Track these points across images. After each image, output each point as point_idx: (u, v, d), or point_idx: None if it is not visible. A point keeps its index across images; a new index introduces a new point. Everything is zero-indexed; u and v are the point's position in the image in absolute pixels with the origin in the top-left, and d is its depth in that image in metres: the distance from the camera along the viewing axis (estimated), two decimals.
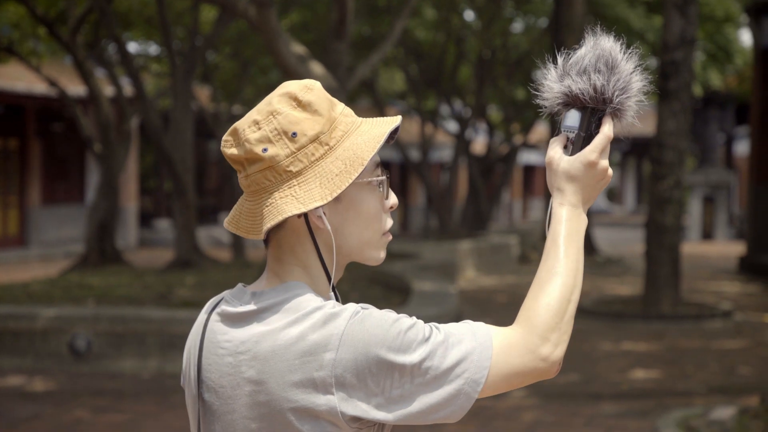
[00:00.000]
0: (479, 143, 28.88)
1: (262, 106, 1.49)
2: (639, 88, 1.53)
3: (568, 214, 1.53)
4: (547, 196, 17.36)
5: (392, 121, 1.52)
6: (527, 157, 34.76)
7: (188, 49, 13.77)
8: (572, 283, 1.49)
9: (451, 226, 20.17)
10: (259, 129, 1.47)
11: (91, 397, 7.48)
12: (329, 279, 1.52)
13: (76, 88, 17.86)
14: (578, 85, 1.52)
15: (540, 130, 28.51)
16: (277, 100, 1.48)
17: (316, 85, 1.51)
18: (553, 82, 1.54)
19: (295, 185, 1.46)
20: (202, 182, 26.23)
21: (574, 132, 1.54)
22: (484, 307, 12.23)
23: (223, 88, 18.51)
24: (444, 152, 29.74)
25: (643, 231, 12.19)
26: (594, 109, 1.53)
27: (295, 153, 1.46)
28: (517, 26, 21.86)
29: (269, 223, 1.45)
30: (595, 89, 1.51)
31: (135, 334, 8.35)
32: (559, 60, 1.54)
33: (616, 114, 1.54)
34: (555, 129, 1.62)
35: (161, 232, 23.03)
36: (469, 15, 21.50)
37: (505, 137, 24.68)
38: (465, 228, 20.91)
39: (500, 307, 12.41)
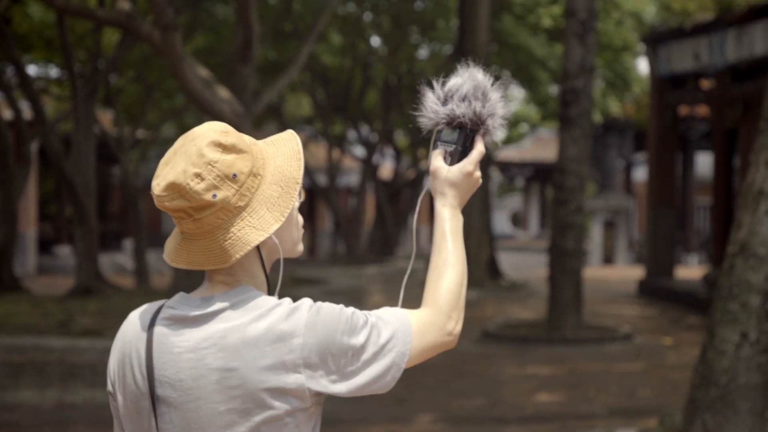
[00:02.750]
0: (386, 168, 29.03)
1: (195, 159, 1.69)
2: (503, 114, 1.87)
3: (450, 214, 1.85)
4: None
5: (289, 137, 1.80)
6: None
7: (90, 72, 13.53)
8: (462, 270, 1.83)
9: (358, 251, 20.20)
10: (203, 180, 1.68)
11: None
12: (268, 281, 1.79)
13: None
14: (461, 109, 1.84)
15: None
16: (207, 150, 1.69)
17: (228, 126, 1.75)
18: (435, 105, 1.85)
19: (246, 216, 1.71)
20: (105, 207, 25.73)
21: (451, 146, 1.86)
22: None
23: (126, 111, 18.20)
24: (351, 177, 29.80)
25: (546, 255, 12.39)
26: (469, 128, 1.85)
27: (239, 190, 1.70)
28: (423, 53, 22.11)
29: (238, 254, 1.70)
30: (474, 113, 1.84)
31: (34, 363, 8.10)
32: (436, 86, 1.86)
33: (485, 133, 1.88)
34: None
35: (62, 259, 22.47)
36: (375, 41, 21.66)
37: (411, 162, 24.88)
38: (372, 253, 20.96)
39: None
